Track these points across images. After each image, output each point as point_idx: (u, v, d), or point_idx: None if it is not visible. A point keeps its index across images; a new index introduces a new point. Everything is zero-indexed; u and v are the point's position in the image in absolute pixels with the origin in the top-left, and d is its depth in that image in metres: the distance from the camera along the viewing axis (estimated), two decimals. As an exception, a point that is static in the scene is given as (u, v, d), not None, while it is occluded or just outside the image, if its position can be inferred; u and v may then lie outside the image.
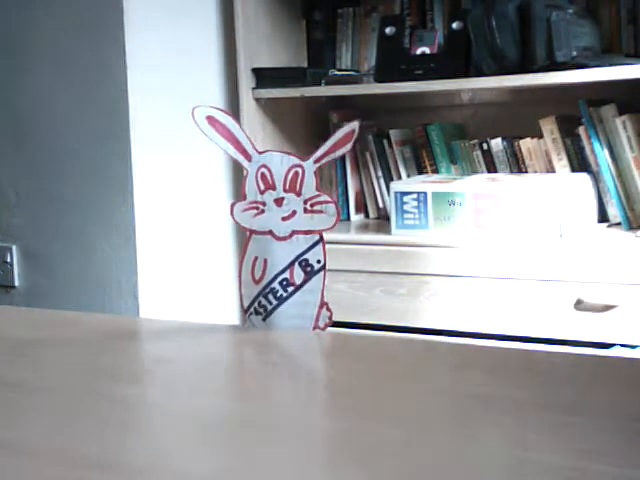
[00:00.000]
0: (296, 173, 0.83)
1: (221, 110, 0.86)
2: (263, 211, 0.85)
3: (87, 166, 2.36)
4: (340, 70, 2.53)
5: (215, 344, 0.84)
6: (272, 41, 2.54)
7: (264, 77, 2.44)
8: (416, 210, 2.22)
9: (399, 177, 2.48)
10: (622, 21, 2.26)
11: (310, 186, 0.83)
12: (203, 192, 2.49)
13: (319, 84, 2.44)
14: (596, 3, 2.28)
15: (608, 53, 2.22)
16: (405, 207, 2.24)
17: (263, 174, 0.84)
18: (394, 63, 2.35)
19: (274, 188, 0.84)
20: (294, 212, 0.83)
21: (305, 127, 2.57)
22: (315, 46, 2.66)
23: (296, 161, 0.84)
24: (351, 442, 0.56)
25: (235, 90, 2.48)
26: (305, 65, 2.65)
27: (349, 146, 0.83)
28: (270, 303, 0.84)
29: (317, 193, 0.83)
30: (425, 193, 2.21)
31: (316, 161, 0.83)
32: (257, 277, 0.85)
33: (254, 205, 0.85)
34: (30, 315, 1.05)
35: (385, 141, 2.50)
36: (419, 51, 2.36)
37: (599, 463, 0.50)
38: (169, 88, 2.39)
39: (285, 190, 0.84)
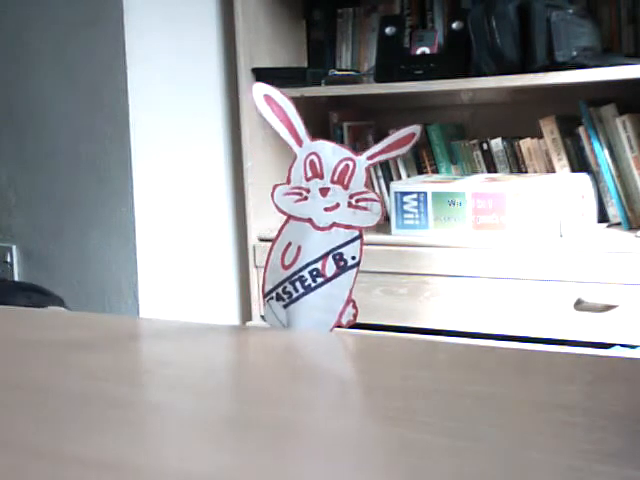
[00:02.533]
0: (347, 166, 0.82)
1: (280, 91, 0.85)
2: (306, 198, 0.83)
3: (87, 166, 2.36)
4: (340, 70, 2.53)
5: (215, 345, 0.84)
6: (272, 41, 2.54)
7: (264, 77, 2.44)
8: (416, 210, 2.22)
9: (399, 177, 2.48)
10: (622, 21, 2.26)
11: (359, 181, 0.82)
12: (203, 192, 2.49)
13: (319, 84, 2.44)
14: (596, 3, 2.28)
15: (608, 53, 2.22)
16: (405, 207, 2.24)
17: (312, 161, 0.83)
18: (394, 63, 2.35)
19: (321, 177, 0.82)
20: (337, 204, 0.82)
21: (305, 127, 2.57)
22: (315, 46, 2.66)
23: (349, 154, 0.82)
24: (350, 442, 0.56)
25: (235, 90, 2.49)
26: (305, 65, 2.65)
27: (406, 149, 0.82)
28: (296, 290, 0.83)
29: (365, 189, 0.82)
30: (425, 193, 2.21)
31: (369, 158, 0.82)
32: (287, 263, 0.84)
33: (298, 191, 0.83)
34: (30, 315, 1.05)
35: (385, 141, 2.49)
36: (419, 51, 2.36)
37: (599, 463, 0.50)
38: (169, 88, 2.39)
39: (333, 181, 0.82)
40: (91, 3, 2.31)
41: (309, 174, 0.83)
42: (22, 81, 2.45)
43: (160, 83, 2.37)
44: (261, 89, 0.84)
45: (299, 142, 0.84)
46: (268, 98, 0.84)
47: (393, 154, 0.82)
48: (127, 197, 2.30)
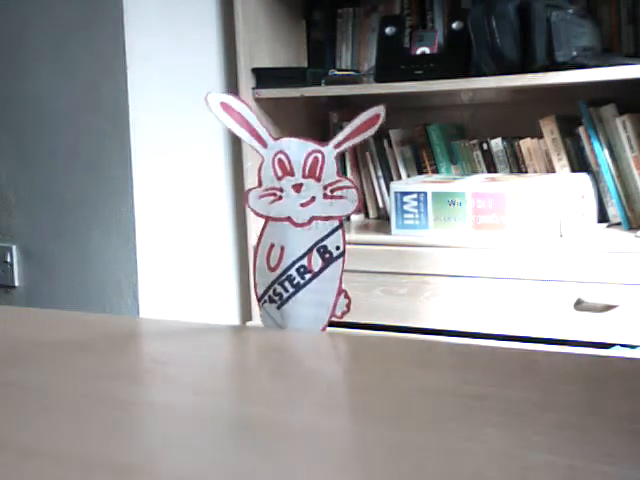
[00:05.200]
0: (315, 159, 0.81)
1: (235, 96, 0.85)
2: (281, 197, 0.83)
3: (87, 166, 2.36)
4: (340, 70, 2.53)
5: (215, 344, 0.84)
6: (272, 41, 2.54)
7: (264, 77, 2.44)
8: (416, 210, 2.22)
9: (399, 177, 2.48)
10: (622, 21, 2.26)
11: (330, 171, 0.81)
12: (203, 192, 2.49)
13: (319, 84, 2.44)
14: (596, 3, 2.28)
15: (608, 53, 2.22)
16: (405, 207, 2.24)
17: (280, 160, 0.82)
18: (394, 63, 2.35)
19: (292, 174, 0.82)
20: (313, 198, 0.82)
21: (305, 127, 2.57)
22: (315, 46, 2.66)
23: (315, 146, 0.82)
24: (350, 442, 0.56)
25: (235, 90, 2.48)
26: (305, 65, 2.65)
27: (372, 131, 0.81)
28: (286, 290, 0.83)
29: (338, 178, 0.81)
30: (425, 193, 2.21)
31: (336, 146, 0.81)
32: (272, 265, 0.83)
33: (271, 192, 0.83)
34: (30, 315, 1.05)
35: (385, 141, 2.50)
36: (419, 51, 2.36)
37: (599, 463, 0.50)
38: (169, 88, 2.39)
39: (304, 176, 0.82)
40: (91, 3, 2.31)
41: (279, 173, 0.83)
42: (22, 81, 2.45)
43: (160, 83, 2.37)
44: (216, 98, 0.84)
45: (263, 144, 0.84)
46: (225, 105, 0.84)
47: (360, 138, 0.82)
48: (127, 197, 2.30)
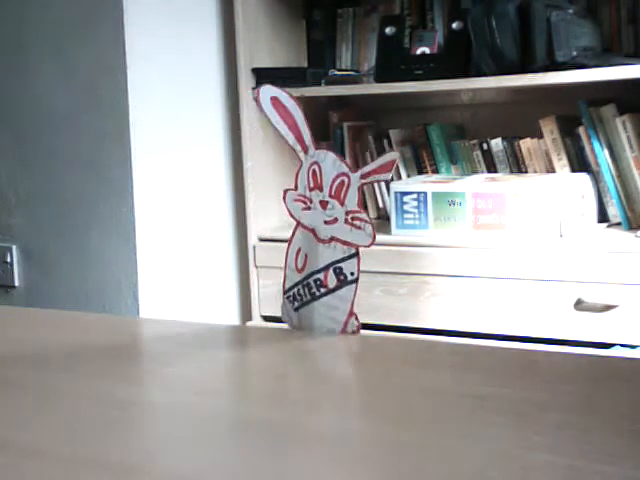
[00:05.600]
0: (342, 182, 0.82)
1: (287, 93, 0.83)
2: (309, 208, 0.83)
3: (87, 166, 2.36)
4: (340, 70, 2.53)
5: (215, 344, 0.84)
6: (272, 41, 2.54)
7: (264, 77, 2.44)
8: (416, 210, 2.22)
9: (399, 177, 2.48)
10: (622, 21, 2.26)
11: (352, 200, 0.81)
12: (203, 192, 2.49)
13: (319, 84, 2.44)
14: (596, 3, 2.28)
15: (608, 53, 2.22)
16: (405, 207, 2.24)
17: (314, 172, 0.82)
18: (394, 63, 2.35)
19: (321, 189, 0.83)
20: (336, 219, 0.82)
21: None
22: (315, 46, 2.66)
23: (345, 169, 0.82)
24: (350, 442, 0.56)
25: (235, 90, 2.48)
26: (305, 65, 2.65)
27: (389, 175, 0.82)
28: (305, 296, 0.84)
29: (358, 209, 0.81)
30: (425, 193, 2.21)
31: (362, 176, 0.81)
32: (299, 267, 0.84)
33: (303, 199, 0.84)
34: (30, 315, 1.05)
35: (385, 141, 2.50)
36: (419, 51, 2.36)
37: (599, 463, 0.50)
38: (169, 88, 2.39)
39: (330, 195, 0.82)
40: (91, 3, 2.31)
41: (311, 184, 0.83)
42: (22, 81, 2.45)
43: (160, 83, 2.37)
44: (269, 91, 0.83)
45: (305, 149, 0.83)
46: (275, 101, 0.83)
47: (382, 177, 0.82)
48: (127, 197, 2.30)
